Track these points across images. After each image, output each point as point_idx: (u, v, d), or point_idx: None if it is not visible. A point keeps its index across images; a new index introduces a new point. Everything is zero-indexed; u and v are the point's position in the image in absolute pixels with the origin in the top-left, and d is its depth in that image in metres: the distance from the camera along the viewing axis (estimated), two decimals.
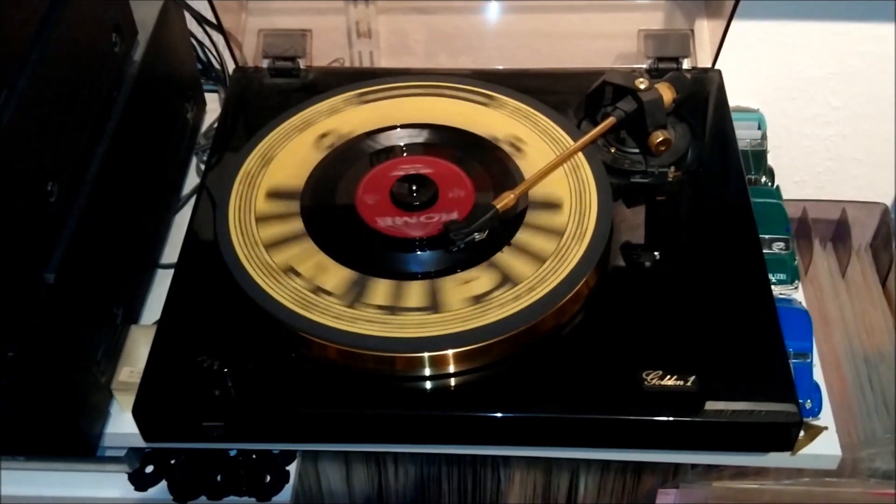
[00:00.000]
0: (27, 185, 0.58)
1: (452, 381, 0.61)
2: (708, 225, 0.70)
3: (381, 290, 0.64)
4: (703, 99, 0.80)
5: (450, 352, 0.60)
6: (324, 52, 0.85)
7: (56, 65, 0.62)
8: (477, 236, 0.65)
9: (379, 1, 0.84)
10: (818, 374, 0.69)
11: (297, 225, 0.68)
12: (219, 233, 0.67)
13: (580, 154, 0.72)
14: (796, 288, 0.75)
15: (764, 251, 0.68)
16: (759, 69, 0.95)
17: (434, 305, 0.62)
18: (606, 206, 0.68)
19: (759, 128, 0.90)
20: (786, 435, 0.59)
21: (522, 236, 0.67)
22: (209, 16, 0.89)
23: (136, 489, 0.76)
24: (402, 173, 0.71)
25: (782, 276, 0.75)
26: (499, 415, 0.59)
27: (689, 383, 0.59)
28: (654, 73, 0.81)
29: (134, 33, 0.76)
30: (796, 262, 0.76)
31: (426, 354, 0.60)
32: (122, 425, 0.68)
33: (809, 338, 0.69)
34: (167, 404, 0.60)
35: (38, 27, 0.61)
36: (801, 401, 0.60)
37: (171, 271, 0.68)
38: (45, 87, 0.61)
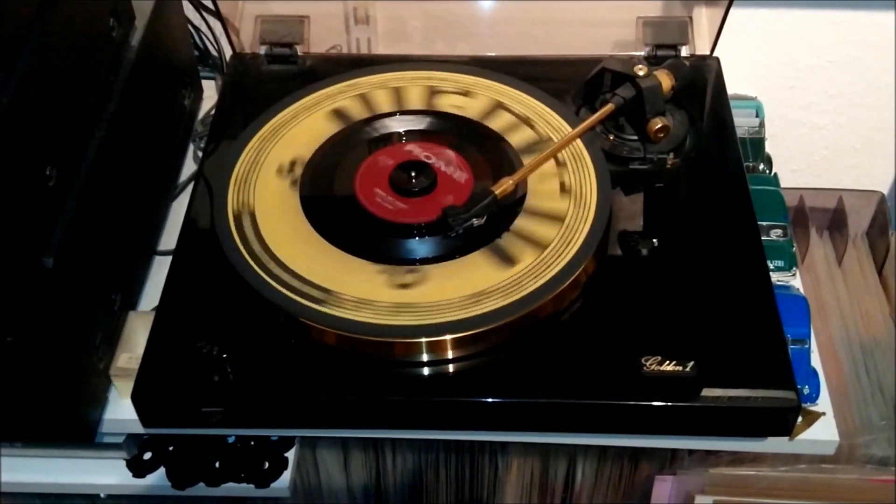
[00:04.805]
0: (26, 170, 0.58)
1: (451, 367, 0.61)
2: (706, 212, 0.70)
3: (378, 275, 0.63)
4: (701, 86, 0.80)
5: (448, 338, 0.60)
6: (321, 39, 0.85)
7: (54, 49, 0.62)
8: (475, 222, 0.65)
9: None
10: (815, 361, 0.69)
11: (296, 210, 0.68)
12: (216, 218, 0.67)
13: (579, 141, 0.72)
14: (794, 275, 0.75)
15: (762, 238, 0.68)
16: (757, 57, 0.95)
17: (431, 291, 0.62)
18: (605, 193, 0.68)
19: (757, 115, 0.90)
20: (784, 420, 0.60)
21: (521, 223, 0.67)
22: (207, 1, 0.89)
23: (135, 476, 0.76)
24: (401, 160, 0.70)
25: (780, 263, 0.75)
26: (497, 400, 0.59)
27: (687, 368, 0.59)
28: (653, 61, 0.81)
29: (131, 18, 0.75)
30: (794, 250, 0.76)
31: (424, 340, 0.60)
32: (120, 411, 0.68)
33: (807, 324, 0.69)
34: (166, 390, 0.60)
35: (36, 11, 0.60)
36: (798, 386, 0.60)
37: (169, 258, 0.67)
38: (43, 72, 0.60)
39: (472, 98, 0.76)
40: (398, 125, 0.75)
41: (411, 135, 0.74)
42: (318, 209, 0.68)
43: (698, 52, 0.83)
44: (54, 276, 0.60)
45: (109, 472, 0.76)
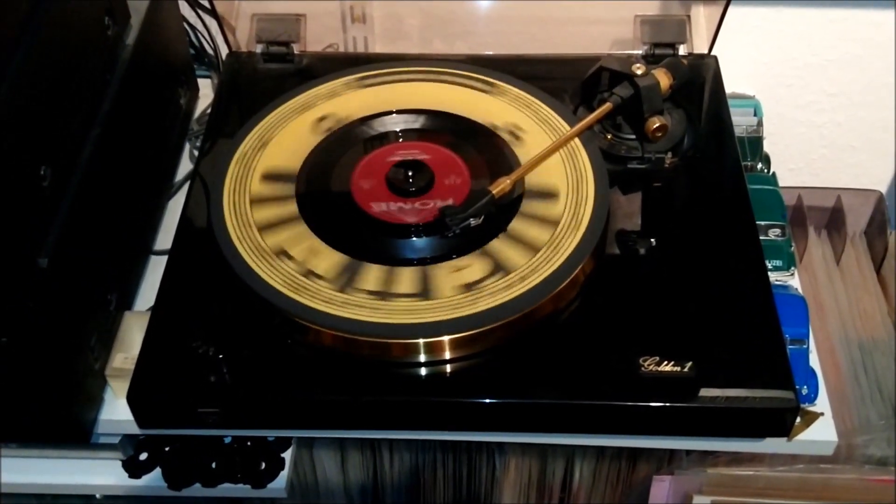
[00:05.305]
0: (20, 169, 0.58)
1: (448, 368, 0.61)
2: (705, 211, 0.70)
3: (375, 275, 0.63)
4: (699, 85, 0.80)
5: (445, 338, 0.60)
6: (318, 37, 0.85)
7: (49, 48, 0.62)
8: (472, 222, 0.65)
9: None
10: (814, 361, 0.69)
11: (292, 209, 0.68)
12: (213, 218, 0.67)
13: (577, 140, 0.72)
14: (792, 274, 0.75)
15: (760, 238, 0.68)
16: (755, 56, 0.95)
17: (428, 291, 0.62)
18: (603, 193, 0.68)
19: (755, 114, 0.90)
20: (783, 421, 0.59)
21: (518, 222, 0.66)
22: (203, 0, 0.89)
23: (130, 476, 0.76)
24: (398, 159, 0.70)
25: (779, 263, 0.75)
26: (495, 401, 0.59)
27: (686, 369, 0.59)
28: (651, 59, 0.80)
29: (127, 17, 0.75)
30: (792, 249, 0.76)
31: (421, 340, 0.60)
32: (116, 412, 0.68)
33: (806, 324, 0.69)
34: (162, 390, 0.60)
35: (31, 10, 0.60)
36: (797, 387, 0.60)
37: (165, 258, 0.67)
38: (37, 71, 0.60)
39: (470, 97, 0.76)
40: (395, 124, 0.74)
41: (408, 134, 0.74)
42: (315, 208, 0.68)
43: (696, 51, 0.82)
44: (49, 276, 0.59)
45: (105, 473, 0.76)
